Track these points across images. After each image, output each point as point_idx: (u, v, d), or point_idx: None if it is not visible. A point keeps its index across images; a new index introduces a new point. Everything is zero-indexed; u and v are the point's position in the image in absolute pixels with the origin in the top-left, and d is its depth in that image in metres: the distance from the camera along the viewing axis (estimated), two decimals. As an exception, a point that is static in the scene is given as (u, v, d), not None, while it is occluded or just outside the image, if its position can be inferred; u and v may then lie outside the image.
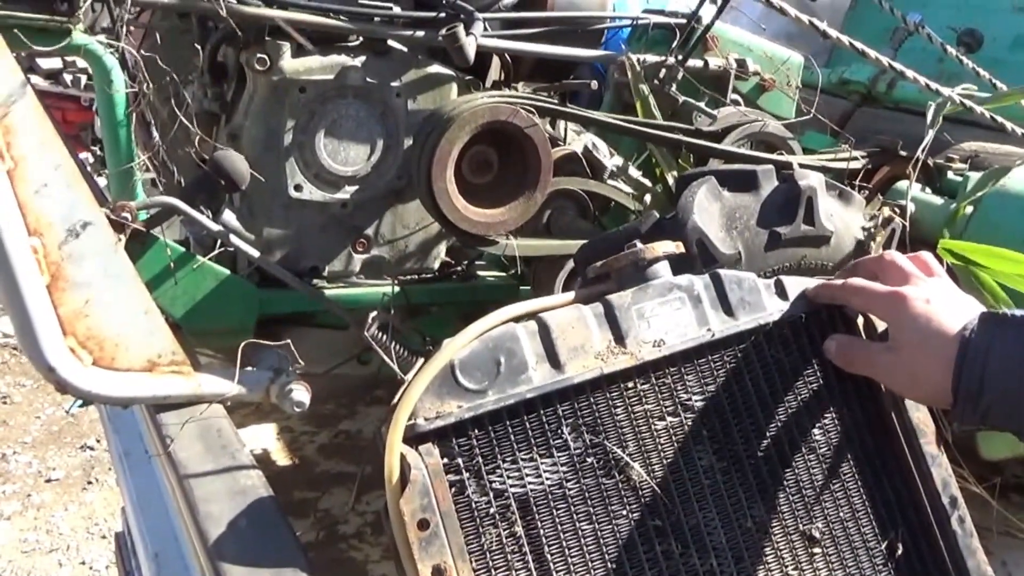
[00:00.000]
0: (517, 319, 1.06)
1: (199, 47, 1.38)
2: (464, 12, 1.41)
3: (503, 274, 1.70)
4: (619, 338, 1.07)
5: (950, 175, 1.74)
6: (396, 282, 1.52)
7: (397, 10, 1.44)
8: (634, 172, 1.65)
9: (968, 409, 0.95)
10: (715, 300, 1.12)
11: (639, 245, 1.13)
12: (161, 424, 1.20)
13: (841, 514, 1.12)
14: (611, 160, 1.62)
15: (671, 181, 1.62)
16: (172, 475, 1.11)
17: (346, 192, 1.48)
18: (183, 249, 1.33)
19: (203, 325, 1.33)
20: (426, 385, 0.98)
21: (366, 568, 1.73)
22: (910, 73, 1.53)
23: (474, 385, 1.00)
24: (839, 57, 2.54)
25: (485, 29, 1.44)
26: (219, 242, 1.34)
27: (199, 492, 1.04)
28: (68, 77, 6.44)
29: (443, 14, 1.43)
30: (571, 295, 1.12)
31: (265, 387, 1.31)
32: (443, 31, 1.36)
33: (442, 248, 1.60)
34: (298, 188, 1.44)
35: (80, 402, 5.27)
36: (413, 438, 0.96)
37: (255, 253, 1.34)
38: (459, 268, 1.66)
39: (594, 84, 1.57)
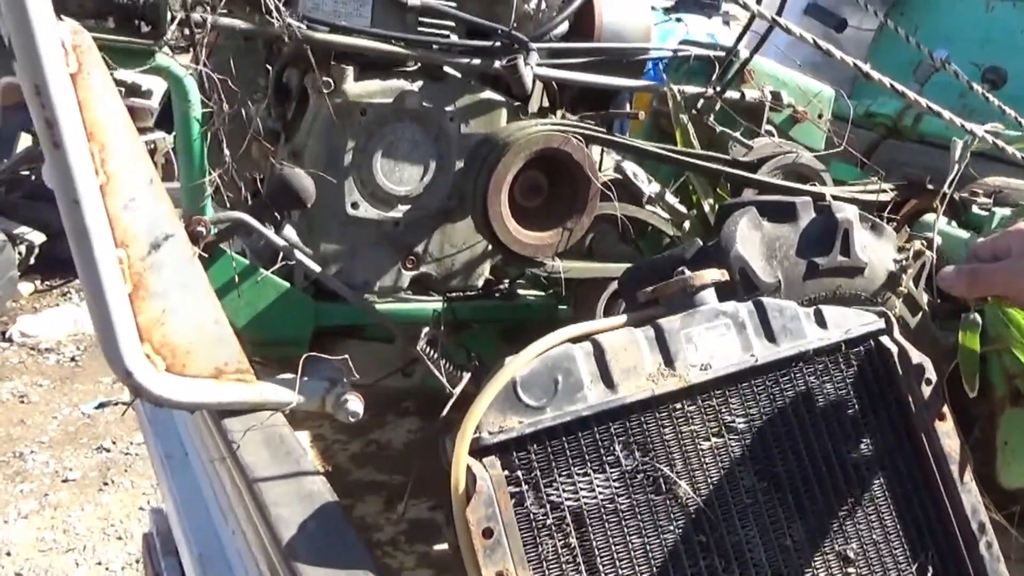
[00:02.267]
0: (574, 340, 1.12)
1: (266, 68, 1.44)
2: (519, 42, 1.47)
3: (542, 294, 1.76)
4: (668, 361, 1.13)
5: (975, 209, 1.79)
6: (445, 299, 1.58)
7: (454, 38, 1.50)
8: (671, 199, 1.71)
9: None
10: (758, 327, 1.19)
11: (687, 272, 1.20)
12: (226, 430, 1.25)
13: (874, 536, 1.18)
14: (649, 187, 1.69)
15: (707, 208, 1.68)
16: (240, 479, 1.16)
17: (399, 211, 1.54)
18: (247, 262, 1.39)
19: (263, 335, 1.39)
20: (491, 401, 1.04)
21: (401, 574, 1.79)
22: (939, 109, 1.59)
23: (534, 402, 1.06)
24: (861, 89, 2.60)
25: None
26: (280, 256, 1.40)
27: (268, 495, 1.10)
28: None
29: (498, 43, 1.50)
30: (623, 318, 1.18)
31: (321, 397, 1.37)
32: (504, 61, 1.43)
33: (487, 267, 1.66)
34: (355, 206, 1.50)
35: (97, 403, 5.30)
36: (477, 451, 1.02)
37: (316, 268, 1.40)
38: (501, 287, 1.72)
39: (641, 115, 1.63)
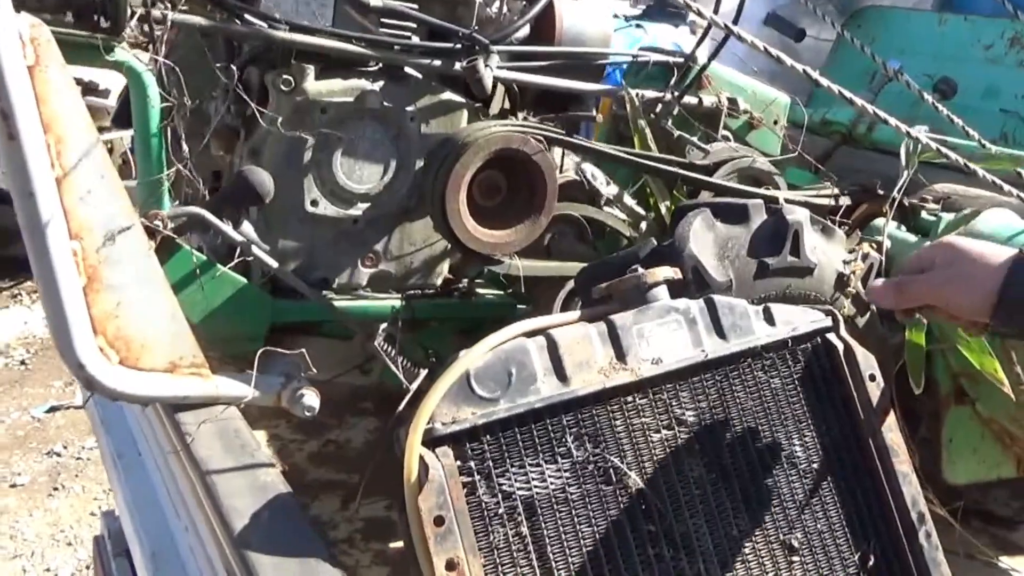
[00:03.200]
0: (528, 334, 1.15)
1: (225, 65, 1.45)
2: (479, 44, 1.50)
3: (501, 292, 1.78)
4: (620, 355, 1.16)
5: (923, 215, 1.85)
6: (403, 297, 1.60)
7: (415, 39, 1.52)
8: (629, 200, 1.74)
9: (1007, 315, 1.10)
10: (709, 323, 1.22)
11: (640, 270, 1.23)
12: (180, 423, 1.26)
13: (819, 526, 1.21)
14: (608, 188, 1.71)
15: (663, 210, 1.71)
16: (193, 472, 1.17)
17: (358, 209, 1.55)
18: (204, 258, 1.39)
19: (218, 330, 1.39)
20: (444, 392, 1.06)
21: (357, 572, 1.79)
22: (885, 116, 1.64)
23: (487, 394, 1.08)
24: (818, 97, 2.65)
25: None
26: (237, 252, 1.40)
27: (221, 488, 1.11)
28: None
29: (459, 45, 1.52)
30: (576, 314, 1.20)
31: (277, 392, 1.38)
32: (464, 62, 1.45)
33: (445, 266, 1.68)
34: (314, 203, 1.51)
35: (47, 407, 5.20)
36: (430, 441, 1.04)
37: (274, 264, 1.41)
38: (460, 285, 1.74)
39: (599, 117, 1.66)
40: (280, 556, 0.97)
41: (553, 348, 1.13)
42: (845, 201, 1.80)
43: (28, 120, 1.04)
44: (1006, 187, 1.58)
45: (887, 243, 1.70)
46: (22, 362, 5.55)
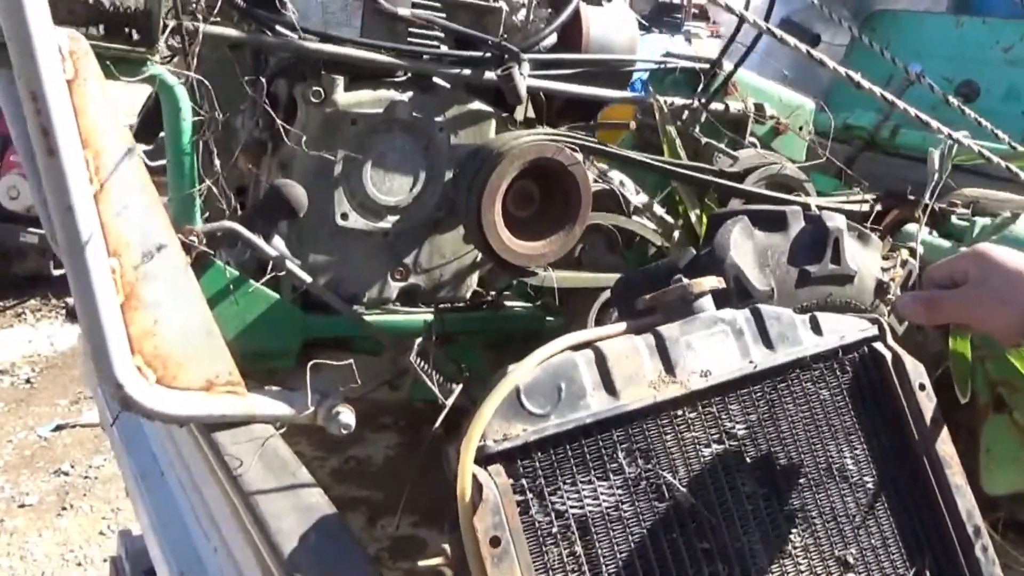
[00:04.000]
0: (574, 348, 1.12)
1: (256, 78, 1.43)
2: (510, 53, 1.48)
3: (529, 305, 1.76)
4: (669, 368, 1.13)
5: (954, 219, 1.83)
6: (434, 311, 1.57)
7: (444, 49, 1.50)
8: (658, 209, 1.72)
9: None
10: (756, 334, 1.19)
11: (685, 280, 1.20)
12: (217, 443, 1.23)
13: (872, 541, 1.19)
14: (637, 197, 1.69)
15: (693, 219, 1.69)
16: (235, 492, 1.14)
17: (388, 222, 1.53)
18: (236, 273, 1.37)
19: (252, 347, 1.36)
20: (495, 409, 1.03)
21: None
22: (927, 119, 1.62)
23: (538, 409, 1.06)
24: (835, 102, 2.64)
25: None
26: (269, 268, 1.38)
27: (266, 508, 1.08)
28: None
29: (488, 54, 1.50)
30: (622, 326, 1.18)
31: (313, 409, 1.35)
32: (498, 71, 1.43)
33: (475, 278, 1.65)
34: (344, 217, 1.49)
35: (54, 426, 5.17)
36: (483, 459, 1.01)
37: (307, 279, 1.39)
38: (489, 298, 1.72)
39: (632, 125, 1.64)
40: (333, 579, 0.95)
41: (602, 362, 1.10)
42: (876, 207, 1.78)
43: (67, 135, 1.02)
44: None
45: (920, 249, 1.68)
46: (27, 381, 5.52)
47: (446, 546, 1.89)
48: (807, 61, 2.74)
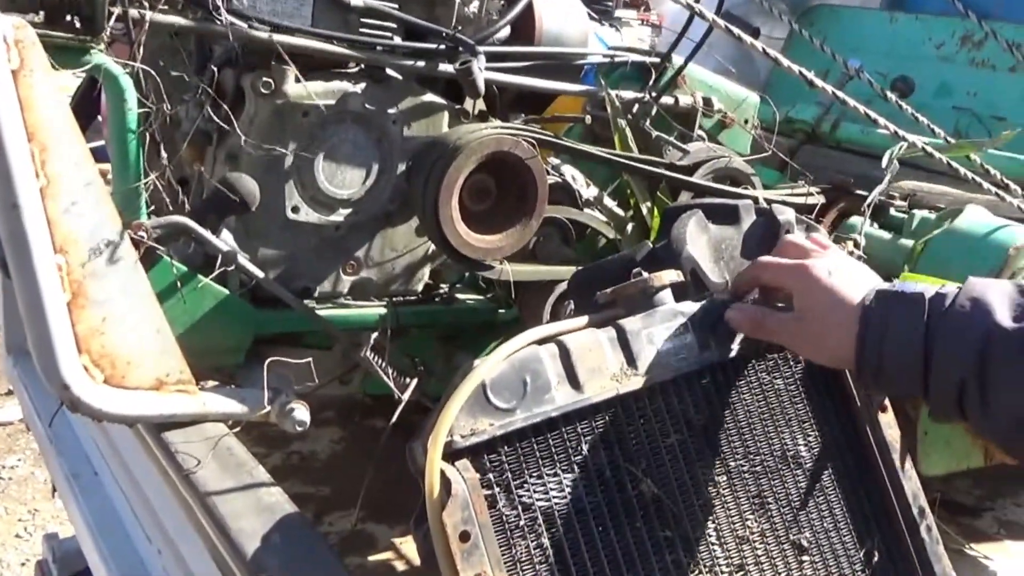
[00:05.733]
0: (539, 342, 1.12)
1: (203, 67, 1.39)
2: (465, 45, 1.46)
3: (481, 298, 1.75)
4: (631, 360, 1.14)
5: (892, 212, 1.88)
6: (386, 304, 1.55)
7: (398, 40, 1.48)
8: (609, 202, 1.73)
9: (871, 380, 1.07)
10: (713, 326, 1.21)
11: (645, 274, 1.22)
12: (168, 443, 1.20)
13: (825, 524, 1.22)
14: (588, 191, 1.70)
15: (644, 211, 1.71)
16: (189, 493, 1.11)
17: (340, 215, 1.51)
18: (184, 268, 1.33)
19: (201, 343, 1.33)
20: (462, 404, 1.02)
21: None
22: (879, 119, 1.66)
23: (504, 404, 1.05)
24: (772, 96, 2.70)
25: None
26: (219, 263, 1.34)
27: (224, 509, 1.06)
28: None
29: (442, 46, 1.49)
30: (584, 320, 1.18)
31: (266, 407, 1.33)
32: (458, 64, 1.41)
33: (426, 271, 1.64)
34: (295, 210, 1.46)
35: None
36: (450, 454, 1.01)
37: (259, 273, 1.36)
38: (441, 291, 1.71)
39: (588, 119, 1.65)
40: (301, 580, 0.93)
41: (566, 356, 1.11)
42: (819, 199, 1.82)
43: (12, 127, 0.97)
44: (985, 184, 1.62)
45: (862, 241, 1.73)
46: (-68, 377, 5.30)
47: (396, 540, 1.88)
48: (744, 55, 2.78)
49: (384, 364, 1.41)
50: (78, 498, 1.88)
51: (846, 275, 1.10)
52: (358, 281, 1.57)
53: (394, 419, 1.32)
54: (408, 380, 1.46)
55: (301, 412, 1.33)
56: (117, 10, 1.20)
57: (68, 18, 1.18)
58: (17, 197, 0.99)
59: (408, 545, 1.72)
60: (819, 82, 1.59)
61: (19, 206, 1.00)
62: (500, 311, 1.74)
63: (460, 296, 1.75)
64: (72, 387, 1.10)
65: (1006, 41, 2.27)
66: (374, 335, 1.41)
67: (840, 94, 1.61)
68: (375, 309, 1.57)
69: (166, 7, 1.26)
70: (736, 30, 1.56)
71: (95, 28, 1.16)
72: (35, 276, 1.03)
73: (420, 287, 1.65)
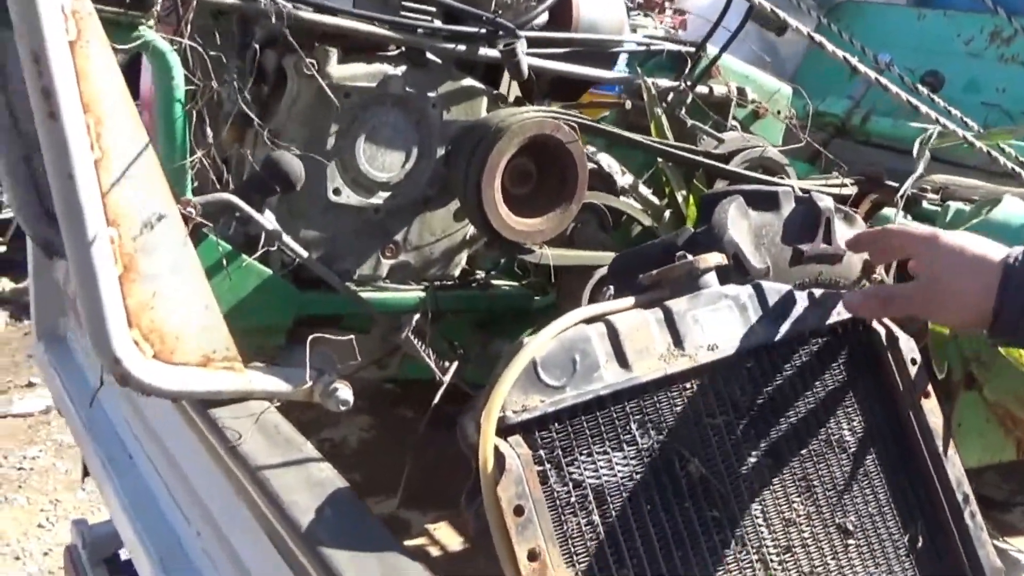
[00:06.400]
0: (587, 321, 1.12)
1: (246, 46, 1.39)
2: (506, 29, 1.47)
3: (516, 284, 1.75)
4: (678, 341, 1.14)
5: (924, 204, 1.88)
6: (425, 288, 1.56)
7: (439, 23, 1.48)
8: (644, 190, 1.73)
9: (1007, 327, 1.06)
10: (759, 308, 1.21)
11: (690, 257, 1.22)
12: (216, 419, 1.20)
13: (869, 509, 1.22)
14: (623, 178, 1.70)
15: (679, 199, 1.71)
16: (239, 469, 1.12)
17: (380, 198, 1.51)
18: (229, 247, 1.34)
19: (244, 323, 1.33)
20: (513, 381, 1.03)
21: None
22: (914, 100, 1.66)
23: (554, 381, 1.06)
24: (806, 89, 2.69)
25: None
26: (261, 242, 1.35)
27: (276, 484, 1.06)
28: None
29: (483, 30, 1.49)
30: (631, 300, 1.18)
31: (310, 385, 1.33)
32: (502, 46, 1.42)
33: (463, 256, 1.64)
34: (336, 192, 1.46)
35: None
36: (502, 430, 1.01)
37: (304, 253, 1.36)
38: (477, 277, 1.71)
39: (628, 104, 1.65)
40: (355, 551, 0.93)
41: (614, 335, 1.11)
42: (852, 190, 1.82)
43: (69, 99, 0.98)
44: (1020, 171, 1.62)
45: (897, 231, 1.72)
46: (-52, 377, 5.34)
47: (430, 527, 1.89)
48: (771, 49, 2.77)
49: (425, 347, 1.41)
50: (114, 481, 1.89)
51: (974, 240, 1.11)
52: (397, 264, 1.57)
53: (436, 400, 1.33)
54: (447, 364, 1.46)
55: (344, 391, 1.33)
56: (167, -13, 1.21)
57: (123, -4, 1.18)
58: (73, 168, 1.00)
59: (442, 531, 1.73)
60: (861, 66, 1.59)
61: (74, 177, 1.00)
62: (536, 298, 1.74)
63: (496, 282, 1.75)
64: (123, 361, 1.11)
65: (1036, 36, 2.27)
66: (415, 317, 1.41)
67: (884, 81, 1.61)
68: (413, 293, 1.57)
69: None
70: (769, 6, 1.56)
71: (145, 4, 1.17)
72: (88, 249, 1.04)
73: (457, 272, 1.65)
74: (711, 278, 1.22)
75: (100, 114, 1.03)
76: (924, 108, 1.61)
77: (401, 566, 0.92)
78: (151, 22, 1.20)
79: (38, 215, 1.44)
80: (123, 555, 2.45)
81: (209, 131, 1.28)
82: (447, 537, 1.73)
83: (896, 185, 1.80)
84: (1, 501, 4.23)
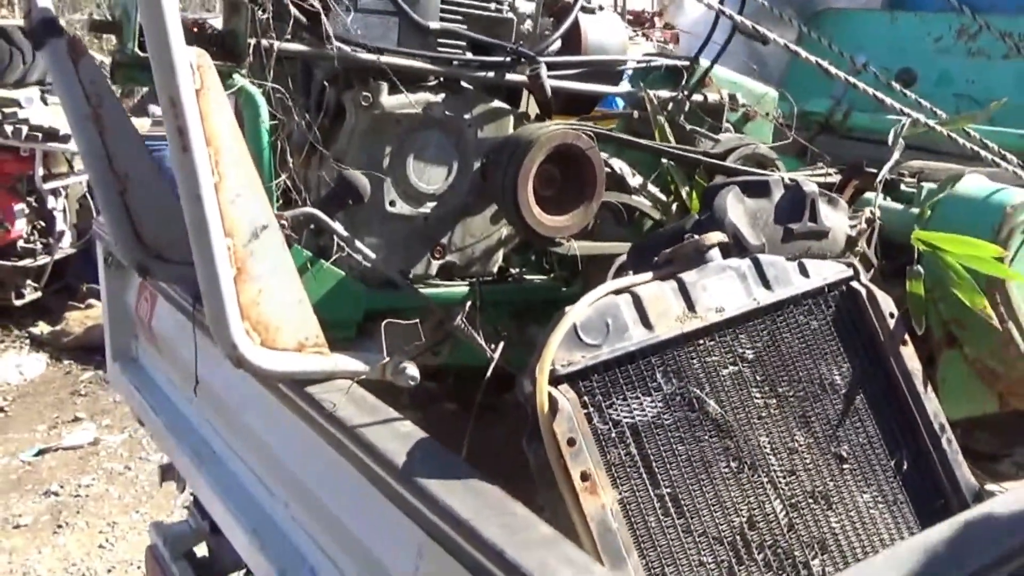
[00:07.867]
0: (616, 292, 1.37)
1: (320, 86, 1.65)
2: (527, 57, 1.73)
3: (545, 277, 2.00)
4: (691, 306, 1.39)
5: (902, 187, 2.12)
6: (469, 284, 1.81)
7: (470, 55, 1.74)
8: (652, 188, 1.98)
9: None
10: (757, 277, 1.46)
11: (696, 237, 1.47)
12: (313, 394, 1.45)
13: (860, 439, 1.46)
14: (634, 179, 1.95)
15: (684, 194, 1.96)
16: (339, 431, 1.36)
17: (427, 207, 1.77)
18: (310, 253, 1.59)
19: (323, 317, 1.58)
20: (559, 342, 1.27)
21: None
22: (880, 95, 1.90)
23: (592, 341, 1.31)
24: (791, 92, 2.93)
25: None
26: (335, 248, 1.60)
27: (372, 436, 1.30)
28: (8, 128, 6.32)
29: (508, 59, 1.75)
30: (650, 275, 1.44)
31: (382, 366, 1.58)
32: (528, 72, 1.68)
33: (500, 255, 1.89)
34: (392, 204, 1.72)
35: (36, 451, 5.21)
36: (553, 380, 1.26)
37: (372, 256, 1.61)
38: (512, 273, 1.96)
39: (636, 113, 1.90)
40: (443, 479, 1.17)
41: (638, 302, 1.36)
42: (836, 179, 2.07)
43: (196, 135, 1.23)
44: (983, 153, 1.86)
45: (878, 212, 1.97)
46: (1, 410, 5.59)
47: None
48: (758, 59, 3.02)
49: (477, 332, 1.66)
50: (205, 472, 2.11)
51: None
52: (444, 264, 1.82)
53: (488, 374, 1.55)
54: (493, 347, 1.71)
55: (412, 369, 1.57)
56: (253, 42, 1.47)
57: (214, 49, 1.44)
58: (200, 189, 1.25)
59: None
60: (834, 70, 1.84)
61: (202, 197, 1.25)
62: (562, 289, 1.99)
63: (528, 277, 2.00)
64: (239, 347, 1.35)
65: (998, 31, 2.52)
66: (466, 305, 1.66)
67: (853, 80, 1.86)
68: (460, 288, 1.82)
69: (288, 38, 1.52)
70: (764, 31, 1.81)
71: (239, 56, 1.43)
72: (213, 255, 1.29)
73: (495, 268, 1.90)
74: (715, 253, 1.47)
75: (218, 146, 1.28)
76: (893, 103, 1.86)
77: (482, 488, 1.16)
78: (244, 70, 1.46)
79: (134, 242, 1.70)
80: (198, 552, 2.69)
81: (290, 158, 1.53)
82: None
83: (876, 171, 2.04)
84: (63, 526, 4.45)
